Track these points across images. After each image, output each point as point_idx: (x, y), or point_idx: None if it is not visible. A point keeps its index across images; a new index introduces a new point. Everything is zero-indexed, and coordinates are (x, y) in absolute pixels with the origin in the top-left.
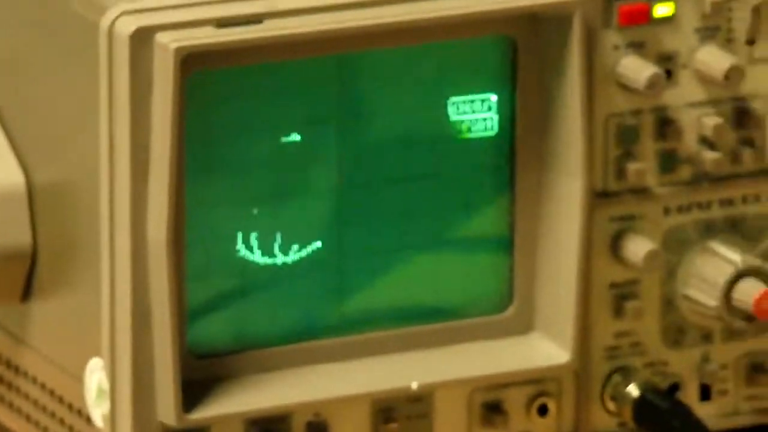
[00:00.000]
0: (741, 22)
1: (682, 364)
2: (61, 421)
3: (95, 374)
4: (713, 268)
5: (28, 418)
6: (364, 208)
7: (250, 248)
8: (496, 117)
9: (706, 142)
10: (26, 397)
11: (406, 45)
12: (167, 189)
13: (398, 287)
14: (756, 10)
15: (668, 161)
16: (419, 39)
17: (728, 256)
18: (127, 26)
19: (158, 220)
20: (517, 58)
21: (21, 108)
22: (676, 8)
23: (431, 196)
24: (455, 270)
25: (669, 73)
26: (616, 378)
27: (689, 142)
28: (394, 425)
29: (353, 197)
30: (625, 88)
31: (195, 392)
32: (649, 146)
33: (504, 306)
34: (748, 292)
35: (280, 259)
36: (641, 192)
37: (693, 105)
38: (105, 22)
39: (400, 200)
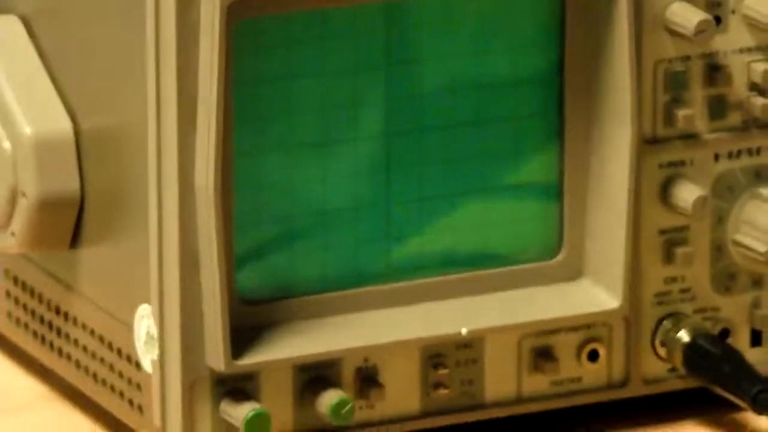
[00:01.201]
0: None
1: (733, 309)
2: (111, 367)
3: (144, 320)
4: (763, 214)
5: (77, 364)
6: (412, 154)
7: (298, 194)
8: (544, 63)
9: (756, 88)
10: (75, 343)
11: None
12: (215, 136)
13: (446, 234)
14: None
15: (717, 107)
16: None
17: None
18: None
19: (206, 167)
20: (564, 3)
21: (68, 56)
22: None
23: (479, 143)
24: (504, 217)
25: (718, 19)
26: (667, 324)
27: (738, 88)
28: (444, 371)
29: (401, 144)
30: (673, 34)
31: (244, 338)
32: (698, 92)
33: (554, 252)
34: None
35: (328, 205)
36: (690, 138)
37: (742, 51)
38: None
39: (448, 147)
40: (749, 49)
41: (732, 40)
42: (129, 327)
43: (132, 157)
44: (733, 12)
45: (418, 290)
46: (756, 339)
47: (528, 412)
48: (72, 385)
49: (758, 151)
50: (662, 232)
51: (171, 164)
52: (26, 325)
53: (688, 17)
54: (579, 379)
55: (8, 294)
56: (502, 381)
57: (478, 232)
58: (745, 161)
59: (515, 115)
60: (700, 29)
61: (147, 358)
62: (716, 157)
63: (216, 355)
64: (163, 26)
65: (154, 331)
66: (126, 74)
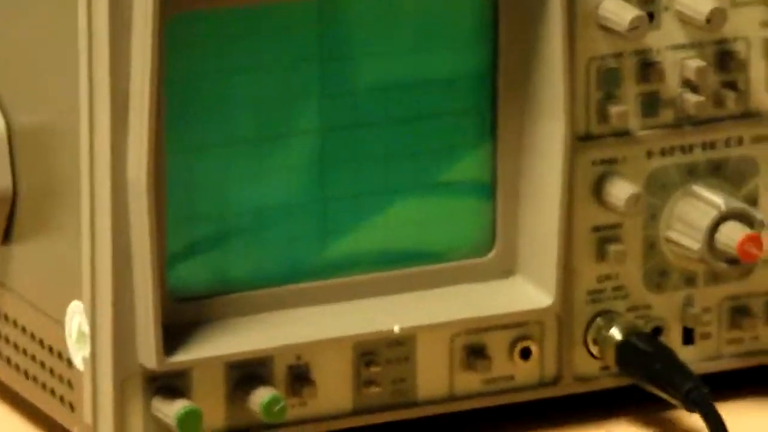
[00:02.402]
0: None
1: (665, 307)
2: (42, 364)
3: (76, 317)
4: (696, 212)
5: (8, 361)
6: (347, 150)
7: (232, 191)
8: (477, 60)
9: (689, 85)
10: (6, 340)
11: None
12: (147, 132)
13: (381, 231)
14: None
15: (650, 104)
16: None
17: (711, 200)
18: None
19: (138, 163)
20: (498, 1)
21: (0, 52)
22: None
23: (414, 140)
24: (438, 214)
25: (651, 16)
26: (599, 322)
27: (672, 85)
28: (376, 369)
29: (335, 140)
30: (606, 30)
31: (176, 335)
32: (631, 89)
33: (486, 250)
34: (732, 235)
35: (262, 201)
36: (623, 135)
37: (675, 48)
38: None
39: (382, 143)
40: (682, 46)
41: (665, 37)
42: (60, 324)
43: (64, 153)
44: (666, 8)
45: (351, 287)
46: (688, 337)
47: (460, 410)
48: (3, 382)
49: (691, 149)
50: (595, 229)
51: (103, 160)
52: None
53: (620, 14)
54: (511, 377)
55: None
56: (434, 379)
57: (411, 229)
58: (678, 158)
59: (449, 112)
60: (633, 26)
61: (78, 355)
62: (649, 155)
63: (148, 353)
64: (96, 20)
65: (86, 328)
66: (58, 70)
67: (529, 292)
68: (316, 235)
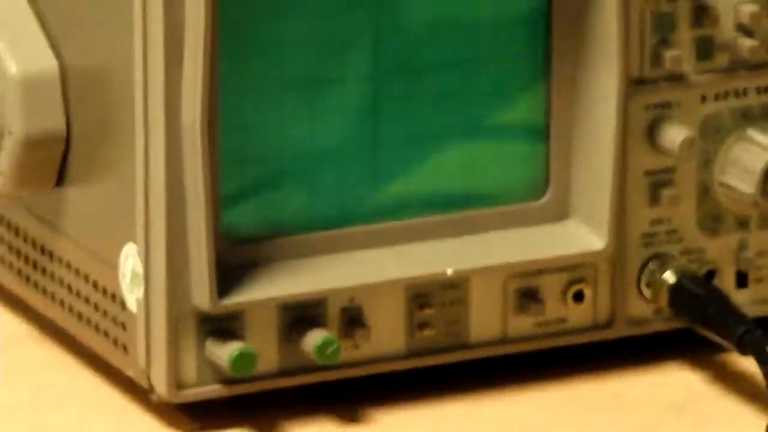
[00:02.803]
0: None
1: (719, 251)
2: (96, 306)
3: (130, 259)
4: (750, 155)
5: (62, 303)
6: (399, 94)
7: (285, 133)
8: (531, 3)
9: (743, 29)
10: (61, 282)
11: None
12: (202, 73)
13: (433, 175)
14: None
15: (705, 48)
16: None
17: (765, 143)
18: None
19: (193, 104)
20: None
21: None
22: None
23: (466, 83)
24: (490, 157)
25: None
26: (653, 265)
27: (726, 30)
28: (429, 311)
29: (388, 83)
30: None
31: (229, 277)
32: (685, 33)
33: (540, 193)
34: None
35: (314, 145)
36: (678, 79)
37: None
38: None
39: (434, 87)
40: None
41: None
42: (114, 266)
43: (118, 95)
44: None
45: (403, 231)
46: (741, 281)
47: (513, 352)
48: (58, 324)
49: (745, 93)
50: (648, 173)
51: (157, 102)
52: (11, 265)
53: None
54: (564, 320)
55: None
56: (487, 321)
57: (464, 172)
58: (732, 103)
59: (502, 55)
60: None
61: (132, 297)
62: (703, 99)
63: (201, 294)
64: None
65: (140, 270)
66: (111, 11)
67: (582, 236)
68: (369, 179)
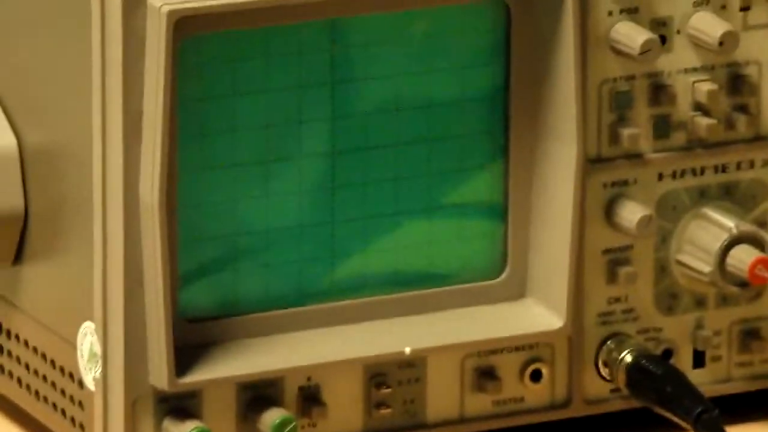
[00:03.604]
0: None
1: (676, 330)
2: (53, 385)
3: (87, 338)
4: (707, 234)
5: (19, 381)
6: (357, 173)
7: (241, 212)
8: (489, 82)
9: (700, 108)
10: (18, 360)
11: (396, 10)
12: (160, 152)
13: (390, 253)
14: None
15: (662, 127)
16: (410, 4)
17: (722, 222)
18: None
19: (151, 183)
20: (510, 24)
21: (12, 71)
22: None
23: (424, 161)
24: (448, 236)
25: (663, 39)
26: (610, 344)
27: (683, 108)
28: (386, 390)
29: (345, 162)
30: (618, 53)
31: (187, 356)
32: (642, 112)
33: (497, 272)
34: (742, 258)
35: (271, 223)
36: (635, 157)
37: (687, 71)
38: None
39: (392, 165)
40: (694, 69)
41: (677, 60)
42: (72, 344)
43: (77, 172)
44: (679, 32)
45: (361, 309)
46: (698, 360)
47: (471, 431)
48: (14, 403)
49: (702, 171)
50: (606, 251)
51: (116, 180)
52: None
53: (632, 37)
54: (521, 399)
55: None
56: (444, 400)
57: (422, 250)
58: (690, 181)
59: (460, 134)
60: (645, 49)
61: (90, 375)
62: (660, 177)
63: (159, 373)
64: (109, 41)
65: (98, 348)
66: (71, 90)
67: (539, 315)
68: (326, 257)
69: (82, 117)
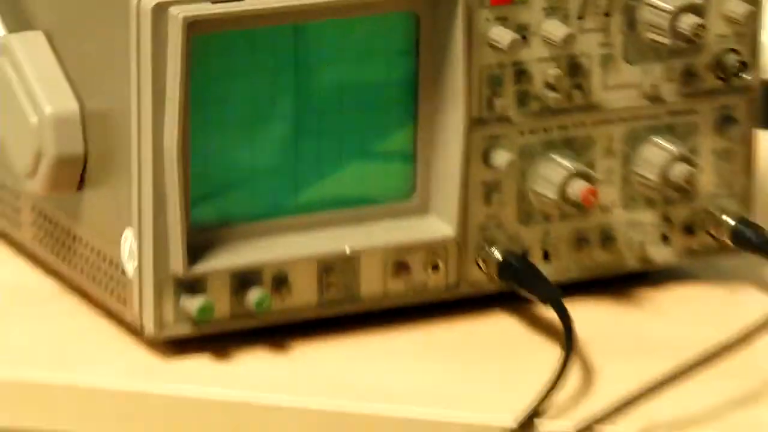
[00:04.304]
0: (574, 2)
1: (531, 236)
2: (105, 273)
3: (128, 241)
4: (553, 172)
5: (82, 270)
6: (313, 130)
7: (233, 157)
8: (406, 68)
9: (549, 86)
10: (81, 256)
11: (338, 18)
12: (177, 117)
13: (337, 184)
14: None
15: (523, 99)
16: (348, 13)
17: (564, 164)
18: (149, 3)
19: (171, 137)
20: (420, 28)
21: (77, 55)
22: None
23: (360, 123)
24: (376, 172)
25: (524, 38)
26: (486, 246)
27: (538, 86)
28: (333, 277)
29: (305, 122)
30: (493, 48)
31: (196, 253)
32: (510, 88)
33: (410, 196)
34: (577, 188)
35: (254, 164)
36: (504, 120)
37: (540, 60)
38: (134, 0)
39: (338, 125)
40: (545, 59)
41: (534, 52)
42: (118, 245)
43: (120, 128)
44: (535, 33)
45: (316, 222)
46: (546, 257)
47: (391, 306)
48: (79, 285)
49: (551, 130)
50: (484, 183)
51: (147, 135)
52: (47, 244)
53: (503, 37)
54: (425, 284)
55: (34, 222)
56: (372, 284)
57: (359, 182)
58: (541, 136)
59: (385, 104)
60: (512, 45)
61: (130, 266)
62: (521, 133)
63: (177, 264)
64: (142, 40)
65: (135, 248)
66: (116, 70)
67: (438, 226)
68: (292, 186)
69: (124, 90)
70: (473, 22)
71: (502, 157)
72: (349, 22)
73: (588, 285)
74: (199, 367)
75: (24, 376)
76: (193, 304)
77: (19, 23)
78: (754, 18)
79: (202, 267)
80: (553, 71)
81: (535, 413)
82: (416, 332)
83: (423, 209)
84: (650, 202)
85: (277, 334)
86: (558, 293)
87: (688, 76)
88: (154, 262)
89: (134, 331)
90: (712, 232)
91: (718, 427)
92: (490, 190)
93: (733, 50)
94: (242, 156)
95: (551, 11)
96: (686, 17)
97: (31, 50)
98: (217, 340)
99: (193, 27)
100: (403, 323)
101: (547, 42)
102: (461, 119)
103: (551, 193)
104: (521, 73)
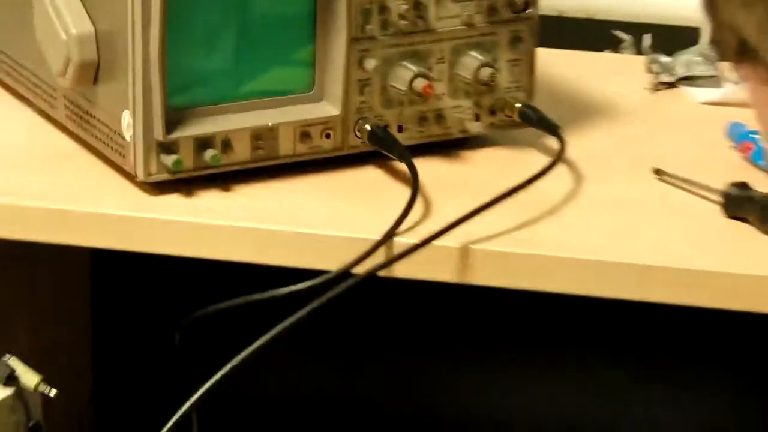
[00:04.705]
0: None
1: (390, 115)
2: (112, 139)
3: (126, 118)
4: (404, 73)
5: (97, 137)
6: (250, 43)
7: (193, 61)
8: (309, 4)
9: (401, 16)
10: (97, 128)
11: None
12: (158, 33)
13: (265, 81)
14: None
15: (384, 24)
16: None
17: (411, 68)
18: None
19: (154, 48)
20: None
21: None
22: None
23: (281, 40)
24: (291, 75)
25: None
26: (361, 122)
27: (394, 16)
28: (262, 141)
29: (244, 37)
30: None
31: (171, 126)
32: (376, 18)
33: (311, 89)
34: (420, 84)
35: (210, 66)
36: (372, 38)
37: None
38: None
39: (267, 40)
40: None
41: None
42: (120, 121)
43: (122, 41)
44: None
45: (251, 106)
46: (400, 129)
47: (300, 159)
48: (95, 148)
49: (402, 45)
50: (359, 80)
51: (138, 46)
52: (74, 120)
53: None
54: (321, 146)
55: (66, 106)
56: (287, 146)
57: (279, 80)
58: (397, 50)
59: (296, 28)
60: None
61: (128, 135)
62: (383, 47)
63: (158, 133)
64: None
65: (131, 122)
66: (116, 2)
67: (329, 109)
68: (235, 83)
69: (122, 15)
70: None
71: (370, 63)
72: None
73: (428, 147)
74: (174, 201)
75: (53, 205)
76: (169, 159)
77: None
78: None
79: (176, 135)
80: (404, 6)
81: (393, 233)
82: (316, 178)
83: (319, 98)
84: (467, 93)
85: (226, 178)
86: (408, 153)
87: (492, 10)
88: (143, 131)
89: (131, 177)
90: (508, 113)
91: (508, 239)
92: (363, 85)
93: None
94: (202, 60)
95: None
96: None
97: None
98: (185, 182)
99: None
100: (307, 172)
101: None
102: (344, 38)
103: (403, 87)
104: (383, 8)
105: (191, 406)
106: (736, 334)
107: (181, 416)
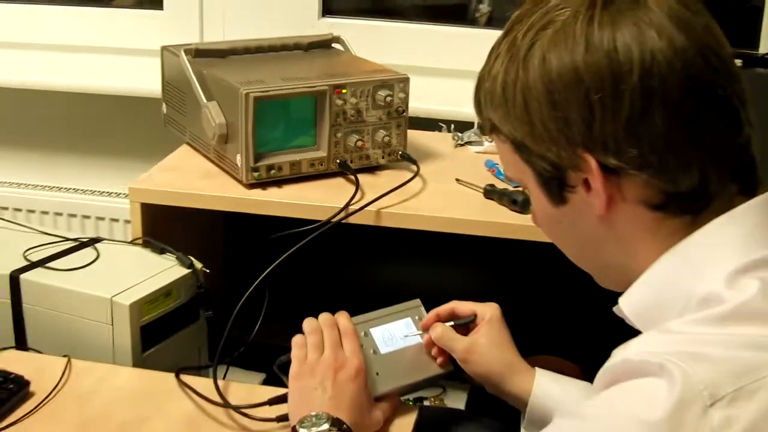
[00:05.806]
0: None
1: (348, 156)
2: (231, 167)
3: (239, 158)
4: (352, 139)
5: (226, 165)
6: (290, 125)
7: (267, 133)
8: None
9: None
10: (226, 161)
11: None
12: (251, 121)
13: (295, 142)
14: None
15: (345, 118)
16: None
17: (355, 136)
18: None
19: (249, 127)
20: None
21: None
22: None
23: (302, 126)
24: (306, 140)
25: None
26: (335, 158)
27: (349, 115)
28: (294, 167)
29: (288, 123)
30: None
31: (257, 160)
32: (341, 116)
33: (315, 144)
34: (359, 143)
35: (272, 135)
36: (339, 125)
37: None
38: None
39: (297, 125)
40: None
41: None
42: (236, 158)
43: (237, 125)
44: None
45: (289, 152)
46: (352, 161)
47: (309, 174)
48: (225, 169)
49: (352, 126)
50: (335, 142)
51: (243, 127)
52: (217, 158)
53: None
54: (318, 169)
55: (214, 152)
56: (307, 167)
57: (301, 142)
58: (350, 128)
59: (308, 122)
60: None
61: (239, 163)
62: (344, 127)
63: (251, 162)
64: None
65: (241, 159)
66: None
67: (322, 153)
68: (283, 142)
69: (237, 112)
70: None
71: (339, 136)
72: None
73: (364, 169)
74: (258, 192)
75: (209, 193)
76: (255, 174)
77: None
78: None
79: (258, 164)
80: (352, 111)
81: (349, 203)
82: (316, 182)
83: (317, 148)
84: (379, 146)
85: (279, 183)
86: (354, 172)
87: (389, 113)
88: (245, 163)
89: (239, 181)
90: (395, 155)
91: (399, 207)
92: (336, 143)
93: None
94: (270, 133)
95: None
96: None
97: None
98: (261, 184)
99: None
100: (313, 180)
101: None
102: (328, 125)
103: (352, 144)
104: (343, 112)
105: (263, 277)
106: None
107: (255, 286)
